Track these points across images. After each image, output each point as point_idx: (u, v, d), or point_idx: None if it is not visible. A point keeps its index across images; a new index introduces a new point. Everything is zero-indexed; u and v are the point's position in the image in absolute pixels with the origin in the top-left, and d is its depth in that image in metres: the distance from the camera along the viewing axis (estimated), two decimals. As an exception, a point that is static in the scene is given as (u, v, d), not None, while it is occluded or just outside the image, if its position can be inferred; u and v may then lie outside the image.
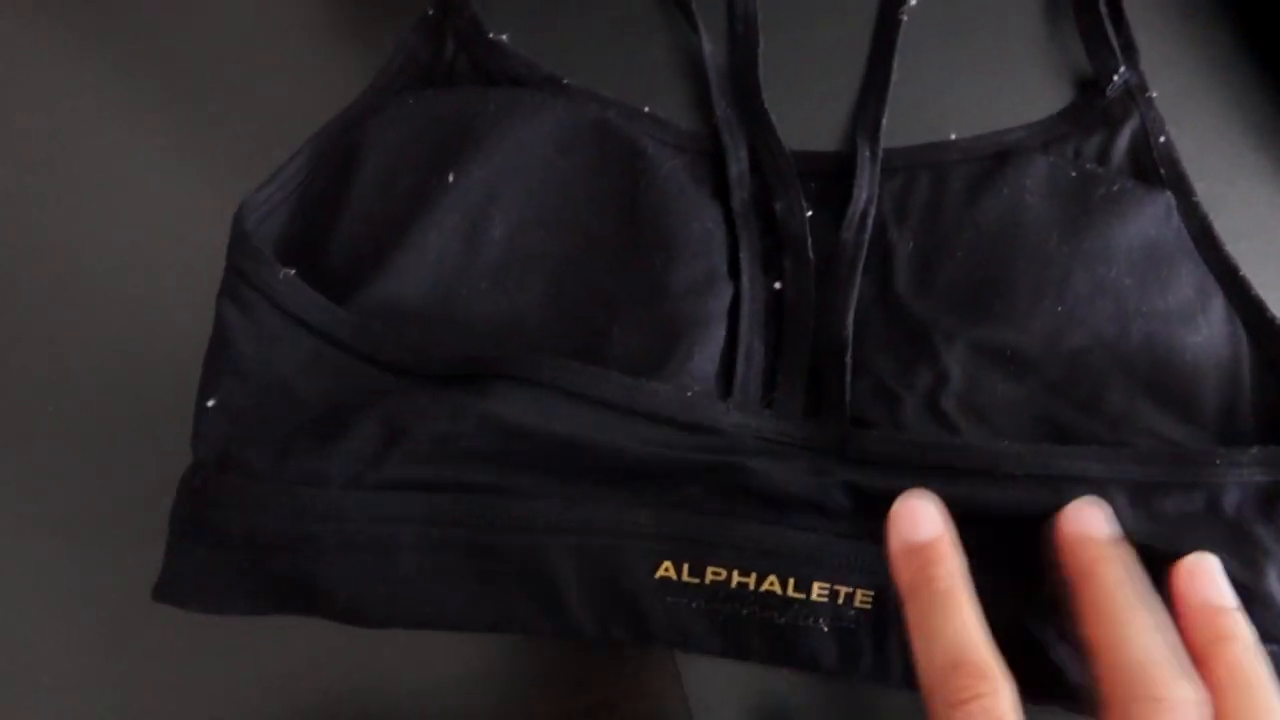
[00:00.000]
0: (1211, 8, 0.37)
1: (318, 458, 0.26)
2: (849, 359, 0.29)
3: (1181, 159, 0.33)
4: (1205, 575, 0.24)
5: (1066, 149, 0.34)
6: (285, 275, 0.28)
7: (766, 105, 0.34)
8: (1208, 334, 0.30)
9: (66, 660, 0.28)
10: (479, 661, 0.28)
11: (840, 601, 0.27)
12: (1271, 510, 0.26)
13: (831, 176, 0.33)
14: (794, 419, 0.29)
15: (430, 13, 0.35)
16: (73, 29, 0.37)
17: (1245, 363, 0.30)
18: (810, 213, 0.32)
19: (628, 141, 0.32)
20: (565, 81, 0.34)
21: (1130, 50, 0.35)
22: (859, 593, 0.27)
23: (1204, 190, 0.32)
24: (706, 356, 0.29)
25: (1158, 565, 0.25)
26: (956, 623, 0.23)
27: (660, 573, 0.27)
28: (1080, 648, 0.23)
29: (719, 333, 0.29)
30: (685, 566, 0.27)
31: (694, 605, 0.27)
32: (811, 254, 0.31)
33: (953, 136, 0.34)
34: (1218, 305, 0.30)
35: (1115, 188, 0.32)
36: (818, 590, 0.27)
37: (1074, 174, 0.32)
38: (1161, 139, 0.34)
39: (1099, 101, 0.35)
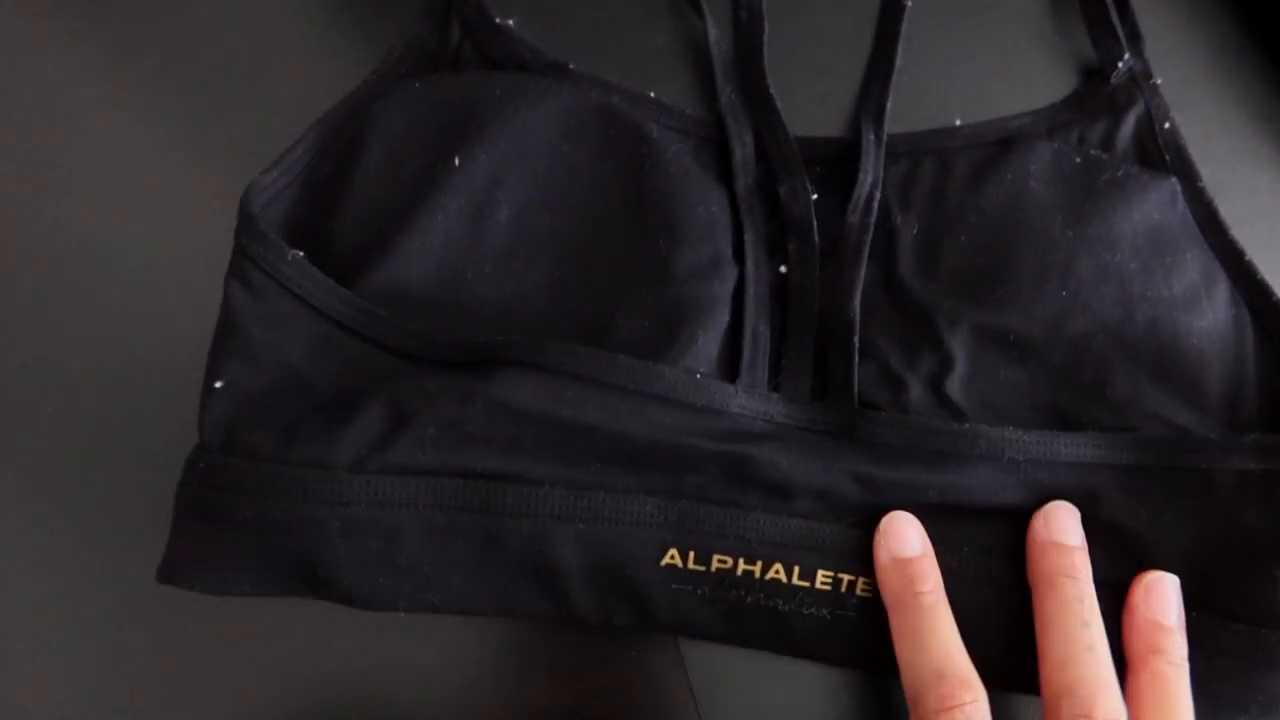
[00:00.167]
0: (1216, -5, 0.37)
1: (323, 442, 0.26)
2: (856, 341, 0.29)
3: (1187, 145, 0.33)
4: (1158, 594, 0.26)
5: (1071, 135, 0.34)
6: (293, 257, 0.28)
7: (771, 91, 0.34)
8: (1213, 319, 0.30)
9: (70, 642, 0.28)
10: (482, 646, 0.28)
11: (843, 590, 0.27)
12: (1266, 498, 0.26)
13: (836, 162, 0.33)
14: (801, 402, 0.29)
15: (436, -2, 0.35)
16: (75, 16, 0.37)
17: (1250, 347, 0.30)
18: (815, 197, 0.32)
19: (633, 126, 0.32)
20: (570, 67, 0.34)
21: (1135, 37, 0.35)
22: (860, 581, 0.27)
23: (1209, 176, 0.32)
24: (711, 340, 0.29)
25: (1135, 558, 0.27)
26: (940, 635, 0.25)
27: (665, 560, 0.27)
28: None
29: (723, 316, 0.29)
30: (691, 554, 0.27)
31: (699, 592, 0.27)
32: (816, 237, 0.31)
33: (957, 123, 0.34)
34: (1222, 290, 0.30)
35: (1120, 173, 0.32)
36: (821, 578, 0.27)
37: (1078, 160, 0.32)
38: (1166, 125, 0.34)
39: (1103, 88, 0.35)
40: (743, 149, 0.33)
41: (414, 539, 0.26)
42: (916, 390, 0.29)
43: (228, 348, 0.28)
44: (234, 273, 0.28)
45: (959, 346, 0.29)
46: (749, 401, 0.28)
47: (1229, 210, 0.31)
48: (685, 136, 0.33)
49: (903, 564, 0.26)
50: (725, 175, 0.33)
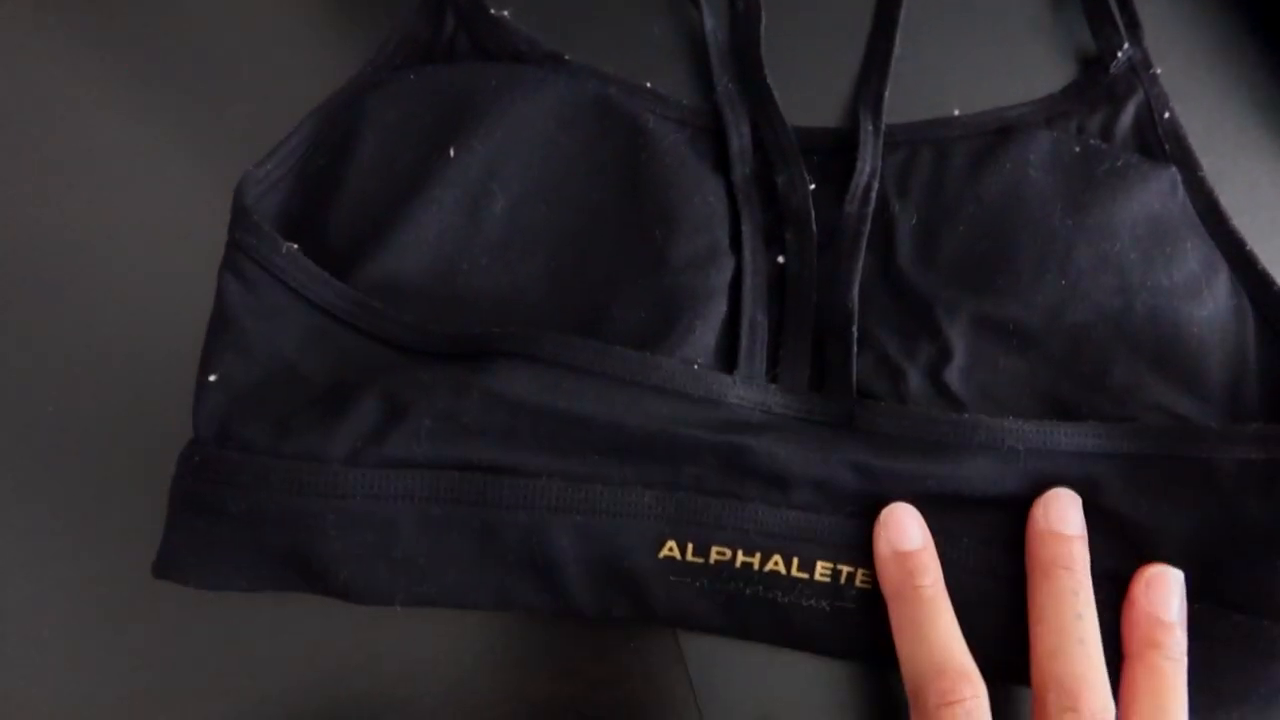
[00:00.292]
0: (1216, -15, 0.37)
1: (318, 435, 0.26)
2: (854, 331, 0.29)
3: (1187, 135, 0.33)
4: (1159, 588, 0.26)
5: (1070, 125, 0.34)
6: (288, 249, 0.28)
7: (768, 81, 0.34)
8: (1213, 308, 0.29)
9: (66, 638, 0.28)
10: (479, 640, 0.28)
11: (842, 581, 0.27)
12: (1267, 486, 0.26)
13: (833, 152, 0.33)
14: (799, 392, 0.29)
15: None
16: (68, 9, 0.36)
17: (1251, 336, 0.30)
18: (813, 186, 0.32)
19: (629, 116, 0.32)
20: (566, 58, 0.34)
21: (1134, 27, 0.35)
22: (860, 573, 0.27)
23: (1209, 166, 0.32)
24: (708, 330, 0.29)
25: (1136, 548, 0.27)
26: (940, 629, 0.25)
27: (664, 552, 0.27)
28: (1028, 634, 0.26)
29: (720, 307, 0.29)
30: (689, 546, 0.27)
31: (697, 584, 0.27)
32: (814, 227, 0.31)
33: (955, 112, 0.34)
34: (1223, 279, 0.30)
35: (1119, 163, 0.31)
36: (820, 570, 0.27)
37: (1077, 149, 0.32)
38: (1166, 115, 0.33)
39: (1103, 78, 0.34)
40: (740, 139, 0.33)
41: (410, 532, 0.26)
42: (915, 380, 0.29)
43: (222, 341, 0.27)
44: (228, 265, 0.28)
45: (958, 336, 0.29)
46: (747, 392, 0.28)
47: (1229, 200, 0.31)
48: (682, 127, 0.33)
49: (903, 557, 0.26)
50: (722, 165, 0.33)
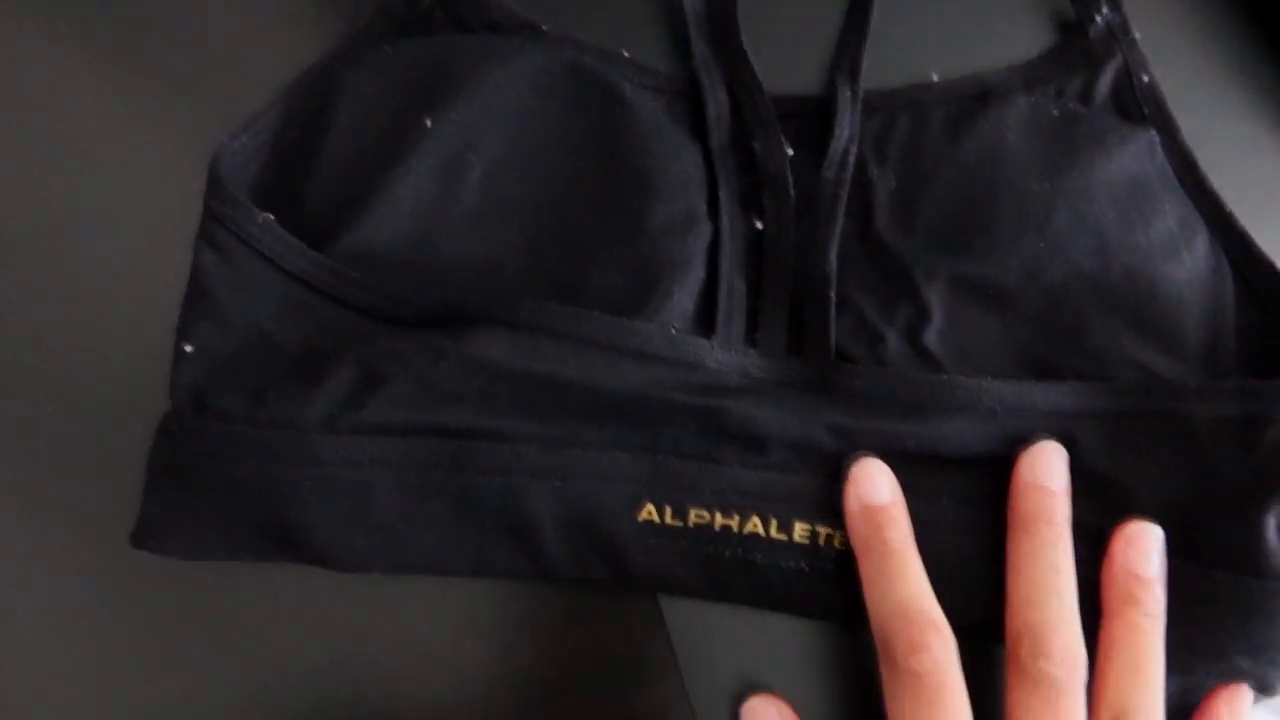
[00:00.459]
0: (1194, -51, 0.37)
1: (294, 402, 0.26)
2: (833, 294, 0.29)
3: (1165, 98, 0.33)
4: (1139, 545, 0.26)
5: (1049, 89, 0.33)
6: (263, 219, 0.28)
7: (745, 47, 0.33)
8: (1191, 267, 0.29)
9: (42, 608, 0.28)
10: (459, 607, 0.28)
11: (821, 543, 0.27)
12: (1244, 443, 0.26)
13: (811, 118, 0.33)
14: (777, 356, 0.28)
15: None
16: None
17: (1229, 296, 0.30)
18: (791, 152, 0.31)
19: (605, 84, 0.32)
20: (543, 28, 0.34)
21: (1113, -10, 0.35)
22: (838, 535, 0.27)
23: (1187, 129, 0.32)
24: (686, 296, 0.29)
25: (1115, 506, 0.27)
26: (908, 581, 0.25)
27: (643, 515, 0.27)
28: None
29: (698, 272, 0.29)
30: (668, 509, 0.27)
31: (677, 548, 0.27)
32: (792, 192, 0.31)
33: (933, 78, 0.34)
34: (1202, 240, 0.30)
35: (1098, 125, 0.31)
36: (799, 531, 0.27)
37: (1056, 112, 0.32)
38: (1144, 78, 0.33)
39: (1081, 42, 0.34)
40: (717, 105, 0.33)
41: (387, 498, 0.26)
42: (893, 342, 0.29)
43: (197, 311, 0.27)
44: (203, 236, 0.28)
45: (936, 298, 0.29)
46: (725, 356, 0.28)
47: (1208, 162, 0.31)
48: (659, 94, 0.33)
49: (871, 511, 0.26)
50: (699, 132, 0.32)
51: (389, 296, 0.28)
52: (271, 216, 0.28)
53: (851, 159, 0.31)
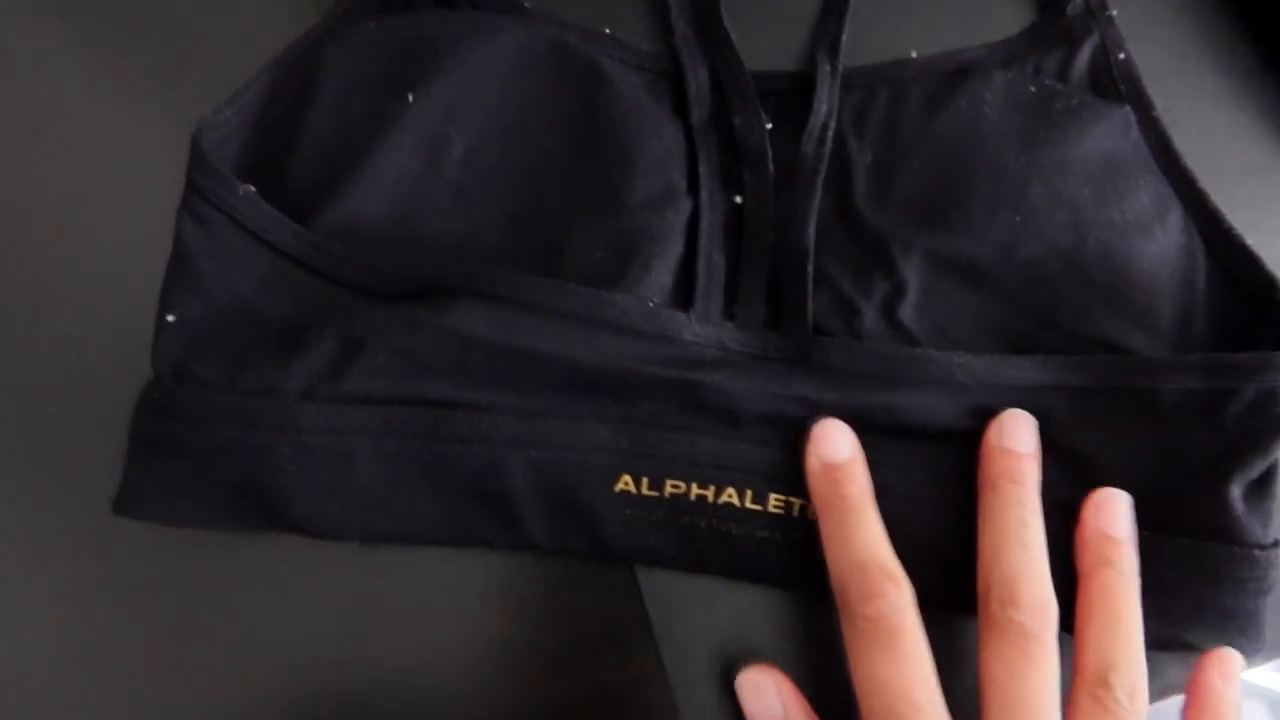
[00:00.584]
0: (1173, -72, 0.37)
1: (274, 371, 0.26)
2: (810, 268, 0.29)
3: (1141, 76, 0.33)
4: (1109, 509, 0.26)
5: (1026, 67, 0.34)
6: (245, 192, 0.28)
7: (726, 25, 0.34)
8: (1164, 244, 0.30)
9: (23, 574, 0.28)
10: (436, 578, 0.28)
11: (795, 514, 0.27)
12: (1211, 415, 0.27)
13: (791, 95, 0.33)
14: (755, 330, 0.29)
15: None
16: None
17: (1201, 273, 0.30)
18: (770, 126, 0.32)
19: (586, 61, 0.32)
20: (525, 4, 0.34)
21: (1091, -31, 0.35)
22: (812, 505, 0.27)
23: (1163, 107, 0.32)
24: (664, 270, 0.29)
25: (1086, 479, 0.27)
26: (866, 533, 0.26)
27: (619, 486, 0.27)
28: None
29: (677, 247, 0.29)
30: (644, 480, 0.27)
31: (653, 518, 0.27)
32: (771, 167, 0.31)
33: (913, 55, 0.34)
34: (1175, 217, 0.30)
35: (1074, 102, 0.32)
36: (774, 502, 0.27)
37: (1033, 89, 0.32)
38: (1121, 56, 0.34)
39: (1059, 20, 0.35)
40: (697, 81, 0.33)
41: (365, 466, 0.26)
42: (870, 316, 0.29)
43: (179, 281, 0.28)
44: (185, 207, 0.28)
45: (912, 273, 0.29)
46: (702, 330, 0.28)
47: (1181, 141, 0.32)
48: (639, 71, 0.33)
49: (831, 468, 0.26)
50: (680, 109, 0.33)
51: (370, 269, 0.28)
52: (253, 189, 0.28)
53: (830, 134, 0.31)
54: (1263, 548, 0.26)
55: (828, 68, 0.33)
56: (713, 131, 0.32)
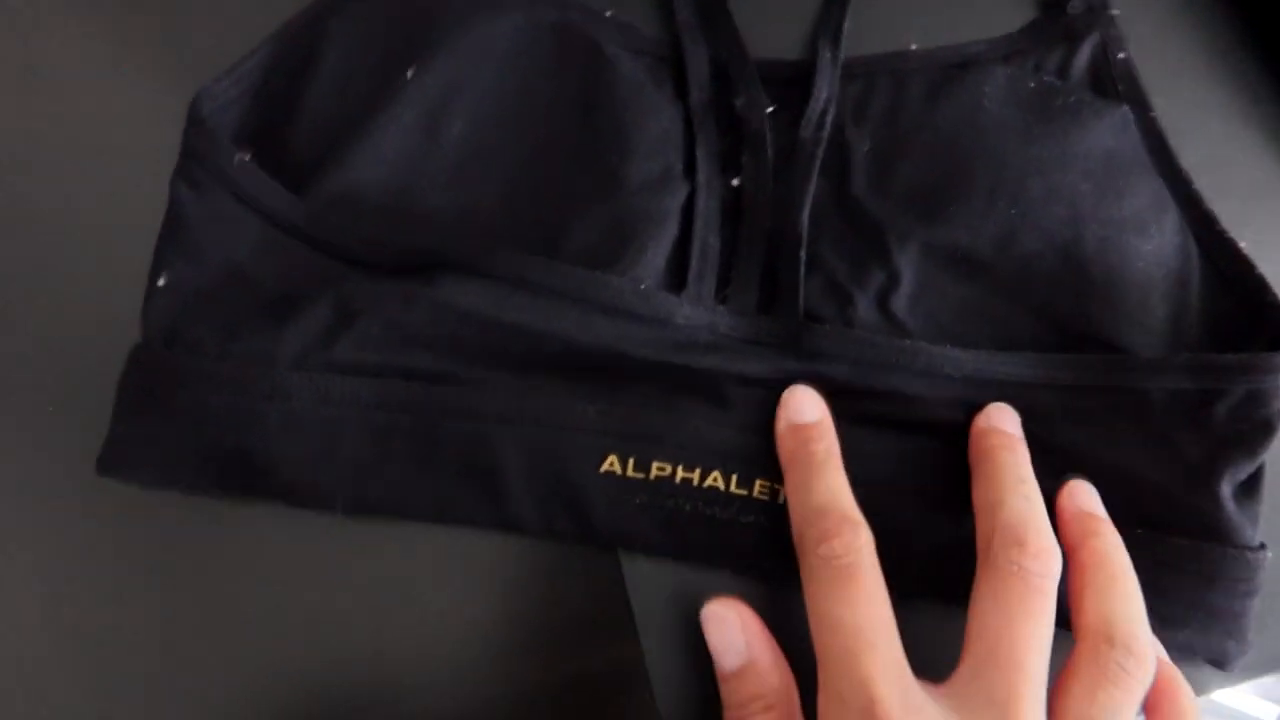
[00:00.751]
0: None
1: (266, 338, 0.26)
2: (803, 254, 0.29)
3: (1140, 76, 0.33)
4: (1082, 491, 0.27)
5: (1027, 63, 0.34)
6: (240, 159, 0.28)
7: (730, 11, 0.34)
8: (1160, 244, 0.30)
9: (9, 539, 0.28)
10: (420, 559, 0.28)
11: (780, 500, 0.27)
12: (1196, 416, 0.27)
13: (792, 82, 0.33)
14: (747, 314, 0.29)
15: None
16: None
17: (1195, 274, 0.30)
18: (770, 109, 0.32)
19: (588, 42, 0.32)
20: (528, -16, 0.34)
21: (1094, -32, 0.36)
22: None
23: (1160, 107, 0.32)
24: (660, 252, 0.29)
25: (1074, 474, 0.27)
26: (828, 481, 0.26)
27: (605, 466, 0.27)
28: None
29: (673, 229, 0.29)
30: (630, 461, 0.27)
31: (638, 500, 0.27)
32: (770, 150, 0.31)
33: (914, 48, 0.34)
34: (1171, 217, 0.31)
35: (1074, 99, 0.32)
36: (759, 488, 0.27)
37: (1033, 84, 0.32)
38: (1121, 55, 0.34)
39: (1061, 18, 0.35)
40: (698, 64, 0.33)
41: (354, 436, 0.26)
42: (863, 305, 0.29)
43: (172, 246, 0.28)
44: (180, 173, 0.28)
45: (907, 263, 0.29)
46: (694, 313, 0.28)
47: (1178, 141, 0.32)
48: (641, 54, 0.33)
49: (798, 428, 0.27)
50: (680, 93, 0.33)
51: (365, 241, 0.28)
52: (249, 157, 0.28)
53: (829, 120, 0.31)
54: (1253, 550, 0.27)
55: (828, 55, 0.33)
56: (712, 115, 0.32)
